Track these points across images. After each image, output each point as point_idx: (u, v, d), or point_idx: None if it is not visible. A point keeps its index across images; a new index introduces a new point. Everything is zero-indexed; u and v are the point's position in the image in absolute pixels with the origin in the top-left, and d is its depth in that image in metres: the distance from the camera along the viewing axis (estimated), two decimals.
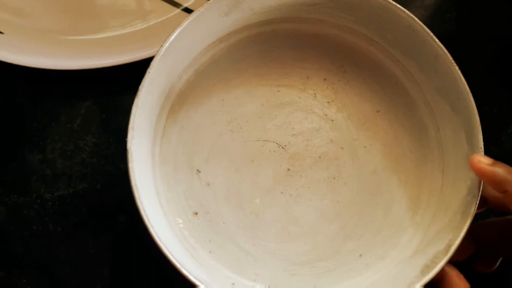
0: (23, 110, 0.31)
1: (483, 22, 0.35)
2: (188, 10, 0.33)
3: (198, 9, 0.25)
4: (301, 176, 0.29)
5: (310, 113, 0.30)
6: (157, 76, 0.25)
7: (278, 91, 0.30)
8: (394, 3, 0.25)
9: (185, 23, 0.25)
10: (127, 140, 0.23)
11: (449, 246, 0.23)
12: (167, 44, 0.24)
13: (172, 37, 0.25)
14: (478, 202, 0.23)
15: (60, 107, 0.31)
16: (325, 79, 0.30)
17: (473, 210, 0.23)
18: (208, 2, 0.25)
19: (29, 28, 0.32)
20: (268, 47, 0.30)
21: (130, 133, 0.23)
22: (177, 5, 0.33)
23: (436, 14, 0.35)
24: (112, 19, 0.32)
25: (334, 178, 0.29)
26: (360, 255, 0.27)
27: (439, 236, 0.25)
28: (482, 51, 0.34)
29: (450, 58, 0.25)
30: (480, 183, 0.24)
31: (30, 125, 0.31)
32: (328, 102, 0.30)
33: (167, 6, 0.33)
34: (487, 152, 0.24)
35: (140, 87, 0.24)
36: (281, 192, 0.28)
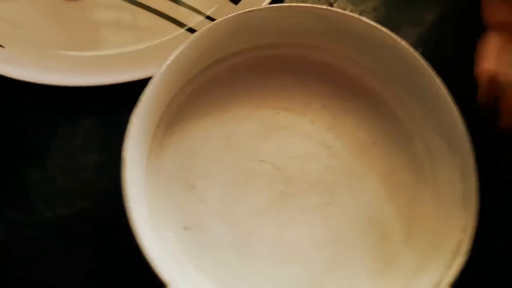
0: (24, 126, 0.31)
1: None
2: (192, 31, 0.33)
3: (206, 26, 0.25)
4: (294, 199, 0.29)
5: (308, 138, 0.30)
6: (159, 88, 0.25)
7: (277, 113, 0.30)
8: (400, 40, 0.26)
9: (192, 39, 0.25)
10: (123, 149, 0.23)
11: (436, 285, 0.23)
12: (172, 58, 0.25)
13: (178, 51, 0.25)
14: (470, 242, 0.23)
15: (61, 123, 0.31)
16: (325, 106, 0.30)
17: (464, 249, 0.24)
18: (217, 21, 0.26)
19: (32, 43, 0.32)
20: (272, 70, 0.30)
21: (127, 142, 0.24)
22: (181, 25, 0.33)
23: (435, 30, 0.35)
24: (117, 37, 0.32)
25: (327, 204, 0.29)
26: (349, 285, 0.27)
27: (429, 273, 0.25)
28: None
29: (450, 97, 0.25)
30: (474, 224, 0.24)
31: (31, 141, 0.30)
32: (326, 128, 0.30)
33: (172, 26, 0.33)
34: None
35: (141, 97, 0.24)
36: (274, 215, 0.28)
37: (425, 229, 0.27)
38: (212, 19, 0.33)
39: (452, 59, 0.35)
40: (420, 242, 0.27)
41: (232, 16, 0.26)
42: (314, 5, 0.26)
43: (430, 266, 0.25)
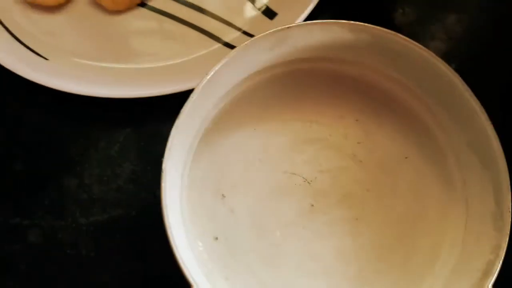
0: (62, 134, 0.32)
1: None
2: (228, 45, 0.34)
3: (245, 42, 0.26)
4: (324, 213, 0.29)
5: (339, 152, 0.30)
6: (197, 102, 0.26)
7: (310, 126, 0.31)
8: (438, 58, 0.26)
9: (232, 55, 0.26)
10: (163, 160, 0.24)
11: None
12: (212, 73, 0.25)
13: (217, 67, 0.25)
14: (501, 263, 0.23)
15: (99, 132, 0.32)
16: (357, 120, 0.31)
17: (495, 269, 0.23)
18: (256, 37, 0.26)
19: (72, 55, 0.33)
20: (305, 83, 0.30)
21: (167, 153, 0.24)
22: (218, 40, 0.34)
23: (466, 44, 0.35)
24: (155, 50, 0.33)
25: (356, 219, 0.29)
26: None
27: None
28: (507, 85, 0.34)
29: (486, 116, 0.25)
30: (505, 246, 0.24)
31: (68, 149, 0.31)
32: (358, 142, 0.30)
33: (209, 40, 0.34)
34: None
35: (182, 110, 0.25)
36: (303, 227, 0.29)
37: (454, 246, 0.27)
38: (249, 34, 0.34)
39: (484, 72, 0.35)
40: (448, 260, 0.27)
41: (270, 32, 0.26)
42: (352, 22, 0.27)
43: (459, 284, 0.25)
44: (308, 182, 0.29)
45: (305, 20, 0.33)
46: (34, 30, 0.33)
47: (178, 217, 0.27)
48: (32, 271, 0.29)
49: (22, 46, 0.32)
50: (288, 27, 0.26)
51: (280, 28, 0.26)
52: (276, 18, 0.34)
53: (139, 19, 0.34)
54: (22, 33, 0.33)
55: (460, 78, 0.26)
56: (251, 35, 0.34)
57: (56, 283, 0.29)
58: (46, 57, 0.32)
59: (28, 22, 0.34)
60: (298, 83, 0.30)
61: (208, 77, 0.25)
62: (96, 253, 0.29)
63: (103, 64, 0.32)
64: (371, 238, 0.28)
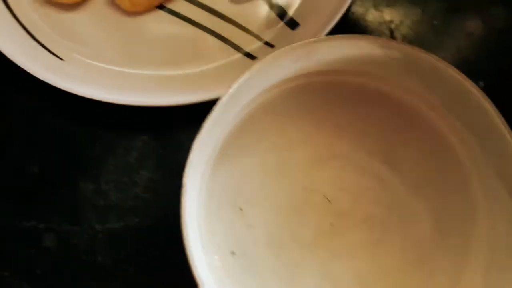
0: (80, 139, 0.31)
1: None
2: (249, 55, 0.33)
3: (271, 54, 0.25)
4: (344, 234, 0.28)
5: (362, 171, 0.29)
6: (219, 115, 0.25)
7: (331, 142, 0.30)
8: (470, 81, 0.25)
9: (256, 68, 0.25)
10: (184, 174, 0.23)
11: None
12: (235, 86, 0.25)
13: (241, 80, 0.25)
14: None
15: (117, 138, 0.31)
16: (381, 138, 0.30)
17: None
18: (282, 49, 0.25)
19: (90, 58, 0.32)
20: (328, 97, 0.30)
21: (188, 168, 0.24)
22: (239, 49, 0.33)
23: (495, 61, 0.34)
24: (173, 57, 0.32)
25: (377, 242, 0.28)
26: None
27: None
28: None
29: None
30: None
31: (86, 154, 0.31)
32: (381, 161, 0.29)
33: (230, 49, 0.33)
34: None
35: (204, 124, 0.24)
36: (322, 247, 0.28)
37: (475, 277, 0.26)
38: (270, 45, 0.33)
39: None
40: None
41: (297, 45, 0.25)
42: (383, 38, 0.26)
43: None
44: (328, 200, 0.29)
45: (329, 33, 0.32)
46: (49, 29, 0.32)
47: (196, 232, 0.26)
48: (48, 276, 0.29)
49: (37, 45, 0.31)
50: (315, 41, 0.25)
51: (307, 41, 0.25)
52: (299, 29, 0.33)
53: (158, 22, 0.33)
54: (37, 31, 0.32)
55: (491, 102, 0.25)
56: (272, 46, 0.33)
57: (68, 287, 0.29)
58: (61, 57, 0.31)
59: (44, 20, 0.32)
60: (320, 96, 0.29)
61: (231, 90, 0.24)
62: (111, 261, 0.29)
63: (118, 69, 0.31)
64: (391, 261, 0.28)
